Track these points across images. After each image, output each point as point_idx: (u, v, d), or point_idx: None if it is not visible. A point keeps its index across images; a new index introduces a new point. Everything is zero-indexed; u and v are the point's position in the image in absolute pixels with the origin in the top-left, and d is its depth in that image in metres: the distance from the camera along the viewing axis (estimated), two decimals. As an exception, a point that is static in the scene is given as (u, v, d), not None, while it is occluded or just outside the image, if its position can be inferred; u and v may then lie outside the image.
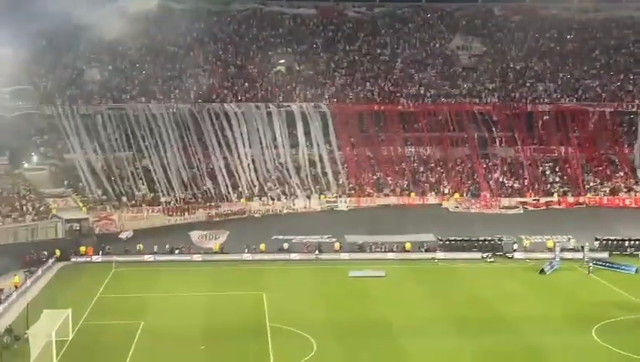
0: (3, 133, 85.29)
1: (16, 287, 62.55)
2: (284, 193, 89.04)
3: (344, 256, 74.87)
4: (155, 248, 74.59)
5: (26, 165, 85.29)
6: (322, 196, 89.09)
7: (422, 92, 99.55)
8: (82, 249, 74.46)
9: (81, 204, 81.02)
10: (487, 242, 76.60)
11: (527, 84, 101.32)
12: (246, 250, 75.10)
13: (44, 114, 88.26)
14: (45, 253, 72.02)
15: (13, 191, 79.22)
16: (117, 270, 69.90)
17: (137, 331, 52.63)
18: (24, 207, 76.75)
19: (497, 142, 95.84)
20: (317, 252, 74.78)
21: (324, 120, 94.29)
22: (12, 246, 72.89)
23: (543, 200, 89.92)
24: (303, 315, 56.17)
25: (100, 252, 74.53)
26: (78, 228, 77.71)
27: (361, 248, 76.13)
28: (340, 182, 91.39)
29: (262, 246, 75.50)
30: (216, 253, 75.57)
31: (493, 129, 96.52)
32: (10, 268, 67.53)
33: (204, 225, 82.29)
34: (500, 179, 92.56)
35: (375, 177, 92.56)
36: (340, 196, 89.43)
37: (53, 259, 72.13)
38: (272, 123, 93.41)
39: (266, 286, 63.98)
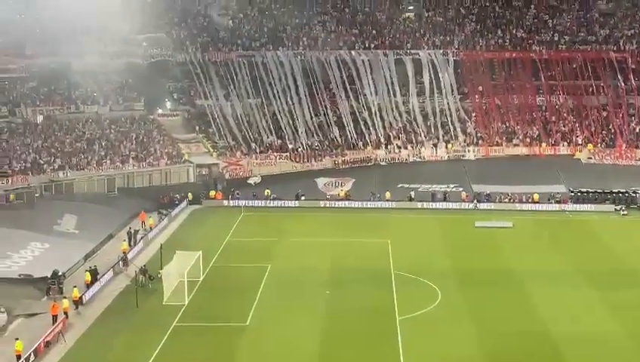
0: (139, 80, 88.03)
1: (150, 228, 65.07)
2: (410, 141, 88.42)
3: (471, 205, 74.01)
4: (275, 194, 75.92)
5: (160, 111, 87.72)
6: (449, 145, 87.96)
7: (556, 38, 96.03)
8: (212, 193, 76.50)
9: (211, 150, 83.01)
10: (621, 194, 74.01)
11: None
12: (371, 198, 75.32)
13: (176, 61, 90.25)
14: (177, 196, 74.46)
15: (148, 136, 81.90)
16: (245, 214, 71.51)
17: (265, 274, 53.79)
18: (158, 152, 79.33)
19: (635, 91, 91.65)
20: (475, 201, 74.00)
21: (452, 68, 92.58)
22: (147, 189, 75.84)
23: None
24: (428, 264, 55.96)
25: (229, 196, 76.39)
26: (208, 172, 79.89)
27: (488, 198, 75.00)
28: (468, 131, 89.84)
29: (387, 194, 75.51)
30: (341, 199, 76.14)
31: (631, 77, 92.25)
32: (146, 210, 69.99)
33: (330, 172, 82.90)
34: (637, 130, 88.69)
35: (504, 126, 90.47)
36: (467, 145, 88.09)
37: (185, 202, 74.48)
38: (400, 70, 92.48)
39: (391, 234, 64.00)
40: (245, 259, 57.74)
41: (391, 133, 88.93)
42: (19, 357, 40.13)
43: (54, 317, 45.06)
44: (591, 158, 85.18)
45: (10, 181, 69.31)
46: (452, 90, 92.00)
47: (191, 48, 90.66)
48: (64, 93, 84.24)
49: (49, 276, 50.63)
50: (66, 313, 45.87)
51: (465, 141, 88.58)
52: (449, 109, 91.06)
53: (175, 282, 49.30)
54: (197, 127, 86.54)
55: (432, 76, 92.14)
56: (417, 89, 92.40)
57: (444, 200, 75.16)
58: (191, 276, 49.96)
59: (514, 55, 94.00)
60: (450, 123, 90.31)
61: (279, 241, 62.43)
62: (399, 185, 77.95)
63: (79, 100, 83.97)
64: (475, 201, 73.94)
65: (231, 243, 62.09)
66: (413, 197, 75.43)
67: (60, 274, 51.12)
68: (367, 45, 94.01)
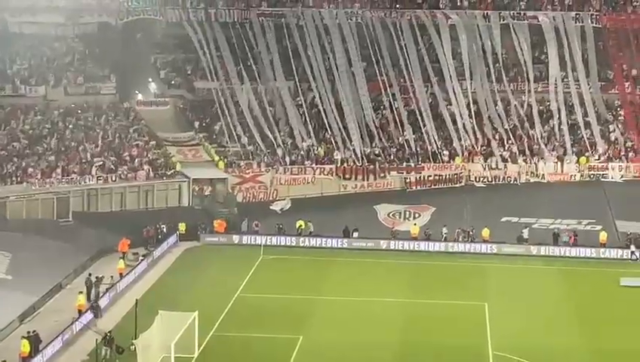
0: (109, 49, 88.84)
1: (120, 276, 65.41)
2: (522, 152, 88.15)
3: (613, 253, 73.75)
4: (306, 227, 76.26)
5: (140, 97, 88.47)
6: (583, 159, 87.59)
7: None
8: (217, 223, 76.83)
9: (217, 157, 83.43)
10: None
11: None
12: (460, 237, 75.21)
13: (167, 21, 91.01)
14: (164, 226, 74.77)
15: (121, 135, 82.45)
16: (266, 257, 71.67)
17: (293, 350, 53.74)
18: (135, 160, 79.84)
19: None
20: (633, 249, 73.16)
21: (591, 39, 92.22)
22: (116, 216, 76.22)
23: None
24: (545, 342, 55.64)
25: (243, 229, 76.71)
26: (211, 192, 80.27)
27: (640, 242, 74.85)
28: (613, 138, 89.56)
29: (484, 233, 75.27)
30: (414, 238, 76.10)
31: None
32: (114, 248, 70.37)
33: (397, 196, 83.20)
34: None
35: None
36: (611, 160, 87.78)
37: (174, 237, 74.86)
38: (508, 43, 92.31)
39: (489, 294, 63.81)
40: (265, 326, 57.74)
41: (493, 139, 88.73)
42: None
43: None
44: None
45: None
46: (588, 74, 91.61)
47: (188, 2, 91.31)
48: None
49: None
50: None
51: (607, 153, 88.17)
52: (583, 104, 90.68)
53: (157, 358, 49.46)
54: (196, 123, 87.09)
55: (558, 52, 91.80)
56: (535, 72, 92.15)
57: (573, 244, 74.75)
58: (181, 350, 50.06)
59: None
60: (583, 125, 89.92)
61: (317, 300, 62.51)
62: (504, 219, 78.10)
63: (17, 78, 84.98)
64: (633, 249, 73.51)
65: (243, 302, 62.23)
66: (525, 237, 75.16)
67: (-19, 341, 51.60)
68: (458, 3, 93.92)
